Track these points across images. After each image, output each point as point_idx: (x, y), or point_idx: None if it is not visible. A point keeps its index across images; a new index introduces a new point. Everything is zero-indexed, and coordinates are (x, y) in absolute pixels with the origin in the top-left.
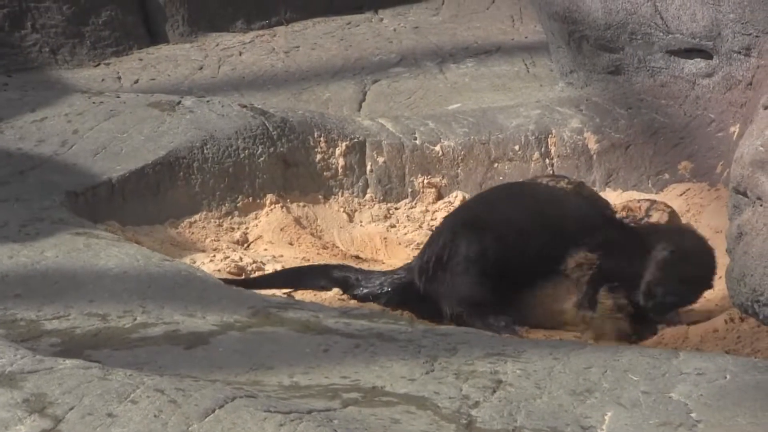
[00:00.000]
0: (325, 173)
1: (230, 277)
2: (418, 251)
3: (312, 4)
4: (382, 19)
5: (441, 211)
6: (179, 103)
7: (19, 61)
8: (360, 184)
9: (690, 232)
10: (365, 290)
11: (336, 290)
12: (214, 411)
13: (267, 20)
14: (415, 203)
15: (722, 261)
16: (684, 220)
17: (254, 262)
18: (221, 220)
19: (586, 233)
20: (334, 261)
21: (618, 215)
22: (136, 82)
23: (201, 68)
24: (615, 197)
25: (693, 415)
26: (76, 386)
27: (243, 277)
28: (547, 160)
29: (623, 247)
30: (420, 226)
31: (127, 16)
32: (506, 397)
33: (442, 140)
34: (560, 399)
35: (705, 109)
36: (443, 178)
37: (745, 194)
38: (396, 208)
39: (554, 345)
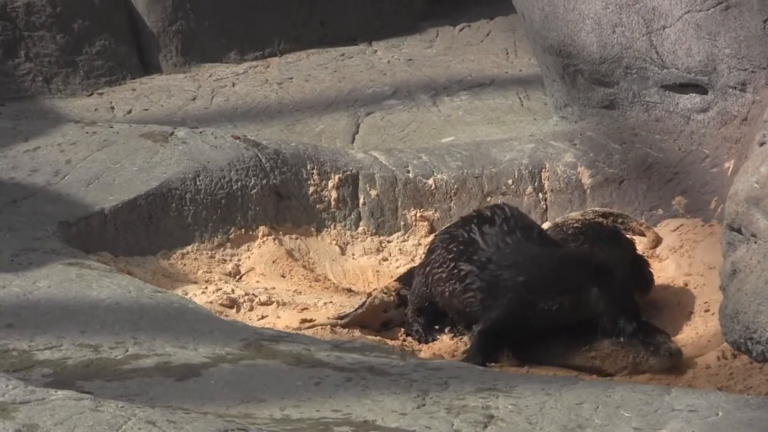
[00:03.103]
0: (317, 206)
1: (222, 308)
2: None
3: (306, 35)
4: (375, 51)
5: None
6: (172, 133)
7: (13, 89)
8: (352, 216)
9: None
10: None
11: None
12: None
13: (260, 51)
14: (408, 236)
15: (715, 297)
16: (677, 256)
17: (246, 294)
18: (213, 252)
19: None
20: (325, 294)
21: None
22: (129, 112)
23: (194, 99)
24: None
25: None
26: (68, 417)
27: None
28: (541, 195)
29: None
30: (412, 260)
31: (120, 46)
32: None
33: (435, 173)
34: None
35: (699, 144)
36: (436, 211)
37: (739, 231)
38: (388, 241)
39: (546, 380)
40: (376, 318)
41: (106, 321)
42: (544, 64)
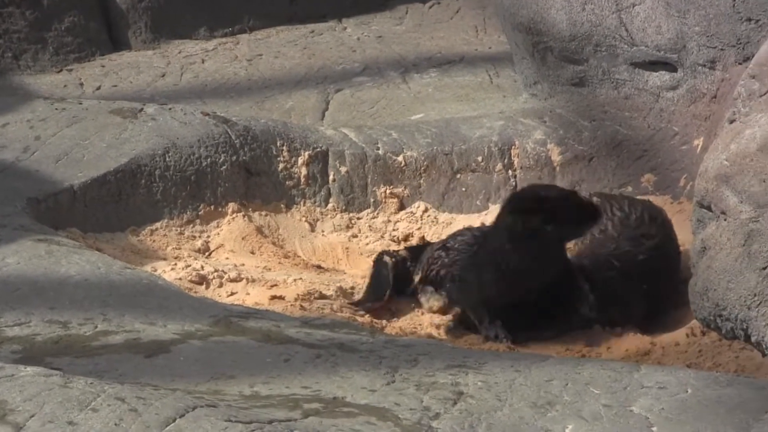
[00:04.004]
0: (287, 182)
1: (191, 285)
2: None
3: (275, 12)
4: (345, 28)
5: (403, 222)
6: (141, 110)
7: None
8: (322, 193)
9: None
10: None
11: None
12: (174, 420)
13: (230, 28)
14: (377, 213)
15: (685, 275)
16: None
17: (216, 270)
18: (183, 228)
19: None
20: (295, 271)
21: None
22: (98, 88)
23: (163, 75)
24: None
25: (654, 429)
26: (37, 394)
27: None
28: (510, 172)
29: None
30: (382, 236)
31: (89, 23)
32: (467, 409)
33: (404, 150)
34: (521, 411)
35: (669, 121)
36: (405, 188)
37: (709, 208)
38: (358, 218)
39: (515, 357)
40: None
41: (75, 297)
42: (513, 41)
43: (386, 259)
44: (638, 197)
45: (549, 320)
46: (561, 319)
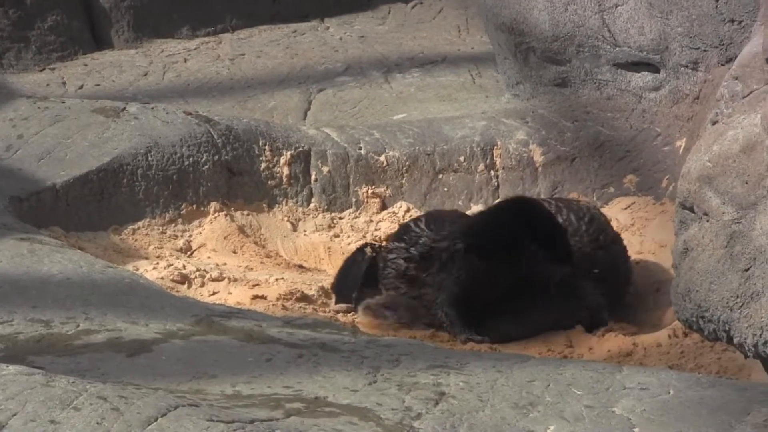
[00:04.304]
0: (269, 182)
1: (173, 284)
2: None
3: (258, 11)
4: (328, 28)
5: (385, 222)
6: (124, 109)
7: None
8: (304, 193)
9: None
10: None
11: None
12: (156, 419)
13: (212, 27)
14: (359, 213)
15: (667, 275)
16: (629, 234)
17: (197, 269)
18: (165, 228)
19: None
20: (277, 270)
21: None
22: (81, 87)
23: (146, 74)
24: None
25: (636, 430)
26: (19, 392)
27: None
28: (492, 172)
29: None
30: (364, 236)
31: (72, 21)
32: (449, 410)
33: (387, 150)
34: (503, 412)
35: (651, 122)
36: (387, 188)
37: (691, 210)
38: (340, 218)
39: (497, 357)
40: None
41: (58, 296)
42: (496, 41)
43: (367, 249)
44: (570, 197)
45: (525, 316)
46: (537, 317)
